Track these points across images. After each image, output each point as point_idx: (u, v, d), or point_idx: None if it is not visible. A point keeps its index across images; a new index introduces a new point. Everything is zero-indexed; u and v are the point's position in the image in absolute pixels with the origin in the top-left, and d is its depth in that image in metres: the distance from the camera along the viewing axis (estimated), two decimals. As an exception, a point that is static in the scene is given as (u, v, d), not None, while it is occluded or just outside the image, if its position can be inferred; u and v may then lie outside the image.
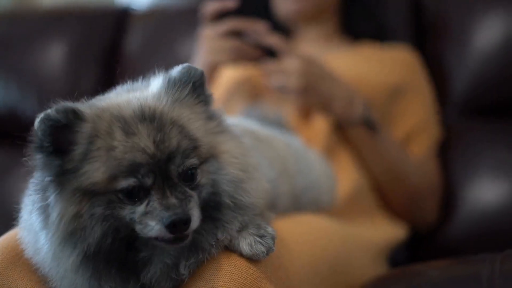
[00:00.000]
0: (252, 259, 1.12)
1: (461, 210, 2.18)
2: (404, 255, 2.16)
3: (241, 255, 1.13)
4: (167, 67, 1.19)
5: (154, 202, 1.03)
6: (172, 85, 1.13)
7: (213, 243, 1.10)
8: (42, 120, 1.03)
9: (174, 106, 1.11)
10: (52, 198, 1.06)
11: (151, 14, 2.90)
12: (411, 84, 2.15)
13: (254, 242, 1.12)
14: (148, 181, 1.04)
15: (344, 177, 1.91)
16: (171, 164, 1.05)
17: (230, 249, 1.14)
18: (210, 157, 1.11)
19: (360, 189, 1.97)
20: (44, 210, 1.07)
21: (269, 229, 1.14)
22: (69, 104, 1.06)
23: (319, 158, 1.76)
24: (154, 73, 1.20)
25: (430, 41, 2.45)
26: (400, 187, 2.05)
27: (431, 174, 2.14)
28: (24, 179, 1.15)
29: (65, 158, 1.05)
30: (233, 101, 2.03)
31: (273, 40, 1.89)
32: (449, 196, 2.20)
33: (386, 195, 2.07)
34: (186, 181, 1.07)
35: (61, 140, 1.05)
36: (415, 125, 2.13)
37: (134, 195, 1.04)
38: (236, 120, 1.51)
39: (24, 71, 2.80)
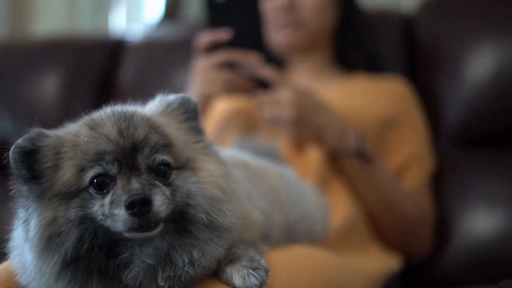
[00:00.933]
0: (245, 292, 1.11)
1: (455, 240, 2.18)
2: (398, 286, 2.15)
3: (233, 287, 1.12)
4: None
5: (118, 189, 1.03)
6: (164, 104, 1.17)
7: (187, 261, 1.08)
8: (12, 150, 1.07)
9: (156, 114, 1.15)
10: (31, 208, 1.07)
11: (145, 46, 2.91)
12: (404, 115, 2.16)
13: (247, 274, 1.11)
14: (113, 169, 1.05)
15: (338, 208, 1.91)
16: (139, 155, 1.06)
17: (223, 281, 1.13)
18: (188, 167, 1.12)
19: (353, 220, 1.97)
20: (26, 223, 1.08)
21: (262, 262, 1.13)
22: (36, 129, 1.10)
23: (312, 189, 1.75)
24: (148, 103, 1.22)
25: (422, 73, 2.46)
26: (393, 217, 2.05)
27: (425, 204, 2.14)
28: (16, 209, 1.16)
29: (40, 176, 1.08)
30: (226, 132, 2.03)
31: (266, 71, 1.89)
32: (443, 227, 2.19)
33: (380, 225, 2.07)
34: (158, 176, 1.07)
35: (36, 166, 1.08)
36: (408, 156, 2.13)
37: (103, 186, 1.05)
38: (229, 151, 1.52)
39: (17, 102, 2.81)
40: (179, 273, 1.08)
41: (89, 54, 2.93)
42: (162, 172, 1.07)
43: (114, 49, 2.93)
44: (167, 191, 1.06)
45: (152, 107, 1.18)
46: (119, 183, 1.04)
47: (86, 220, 1.05)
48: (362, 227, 2.01)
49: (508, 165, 2.26)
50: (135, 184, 1.03)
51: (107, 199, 1.04)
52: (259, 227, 1.29)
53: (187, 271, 1.08)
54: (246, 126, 2.06)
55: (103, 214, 1.04)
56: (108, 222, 1.04)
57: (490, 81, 2.31)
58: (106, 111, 1.11)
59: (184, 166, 1.11)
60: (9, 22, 3.70)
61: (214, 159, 1.17)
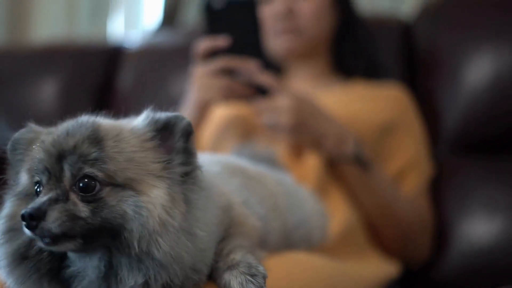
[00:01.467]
0: (243, 299, 1.11)
1: (454, 246, 2.18)
2: (396, 292, 2.15)
3: (232, 294, 1.11)
4: (159, 104, 1.17)
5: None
6: (147, 122, 1.11)
7: (135, 282, 1.02)
8: (9, 143, 1.12)
9: (117, 128, 1.09)
10: (4, 201, 1.11)
11: (143, 52, 2.91)
12: (402, 122, 2.16)
13: (245, 281, 1.10)
14: (43, 178, 1.04)
15: (336, 214, 1.91)
16: (65, 163, 1.03)
17: (221, 287, 1.13)
18: (128, 187, 1.04)
19: (352, 226, 1.96)
20: None
21: (260, 268, 1.13)
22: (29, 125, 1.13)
23: (310, 195, 1.75)
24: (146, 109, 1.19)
25: (421, 79, 2.47)
26: (392, 223, 2.05)
27: (423, 210, 2.14)
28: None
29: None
30: (224, 139, 2.03)
31: (264, 78, 1.90)
32: (441, 233, 2.19)
33: (378, 231, 2.06)
34: (81, 191, 1.02)
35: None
36: (407, 162, 2.13)
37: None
38: (226, 157, 1.52)
39: (16, 108, 2.81)
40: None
41: (88, 60, 2.93)
42: (85, 186, 1.02)
43: (112, 56, 2.93)
44: (81, 208, 1.01)
45: (132, 122, 1.13)
46: (41, 194, 1.04)
47: None
48: (361, 233, 2.01)
49: (507, 171, 2.26)
50: (42, 198, 1.01)
51: None
52: (256, 234, 1.28)
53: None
54: (244, 132, 2.06)
55: None
56: None
57: (488, 87, 2.31)
58: (74, 120, 1.10)
59: (124, 185, 1.04)
60: (7, 28, 3.70)
61: (166, 185, 1.06)
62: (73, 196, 1.02)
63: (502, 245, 2.14)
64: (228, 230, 1.22)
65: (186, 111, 2.03)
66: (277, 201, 1.51)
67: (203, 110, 2.05)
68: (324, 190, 1.93)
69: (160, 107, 1.15)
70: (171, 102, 1.19)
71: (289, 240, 1.53)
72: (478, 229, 2.18)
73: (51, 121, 1.14)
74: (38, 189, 1.06)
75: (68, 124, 1.08)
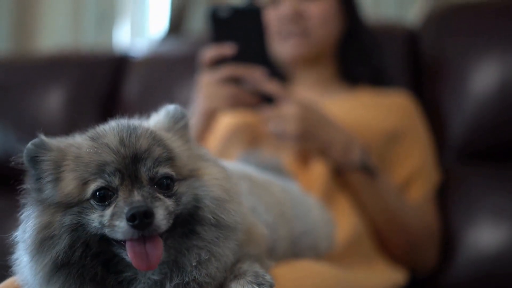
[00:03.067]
0: (250, 307, 1.11)
1: (461, 254, 2.17)
2: (404, 300, 2.15)
3: (239, 303, 1.11)
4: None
5: (120, 201, 1.03)
6: (167, 117, 1.19)
7: (195, 264, 1.09)
8: (24, 153, 1.10)
9: (160, 128, 1.16)
10: (30, 211, 1.09)
11: (149, 61, 2.92)
12: (408, 129, 2.15)
13: (253, 290, 1.11)
14: (115, 180, 1.05)
15: (343, 222, 1.90)
16: (141, 166, 1.06)
17: (229, 297, 1.13)
18: (191, 176, 1.12)
19: (359, 234, 1.96)
20: (24, 224, 1.10)
21: (267, 277, 1.13)
22: (42, 137, 1.11)
23: (317, 203, 1.75)
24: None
25: (427, 86, 2.47)
26: (398, 231, 2.05)
27: (430, 218, 2.14)
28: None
29: (41, 183, 1.09)
30: (231, 147, 2.03)
31: (270, 86, 1.89)
32: (448, 241, 2.19)
33: (385, 239, 2.06)
34: (161, 188, 1.07)
35: (39, 167, 1.09)
36: (413, 169, 2.13)
37: (105, 198, 1.05)
38: (233, 164, 1.51)
39: (22, 117, 2.81)
40: (186, 279, 1.08)
41: (93, 70, 2.94)
42: (164, 185, 1.08)
43: (118, 65, 2.93)
44: (169, 203, 1.06)
45: (156, 121, 1.19)
46: (121, 195, 1.04)
47: (79, 228, 1.05)
48: (367, 241, 2.01)
49: (513, 179, 2.26)
50: (137, 197, 1.03)
51: (109, 211, 1.04)
52: (264, 242, 1.28)
53: (195, 276, 1.09)
54: (250, 140, 2.06)
55: (100, 223, 1.04)
56: (106, 231, 1.04)
57: (494, 95, 2.30)
58: (110, 124, 1.12)
59: (188, 176, 1.12)
60: (13, 38, 3.71)
61: (213, 164, 1.18)
62: (159, 195, 1.06)
63: (509, 252, 2.13)
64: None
65: (193, 120, 2.03)
66: (284, 209, 1.50)
67: (209, 118, 2.05)
68: (330, 198, 1.93)
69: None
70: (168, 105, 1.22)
71: (296, 248, 1.52)
72: (485, 236, 2.17)
73: (58, 129, 1.15)
74: (99, 194, 1.05)
75: (119, 127, 1.09)
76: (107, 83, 2.88)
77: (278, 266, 1.33)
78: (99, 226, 1.05)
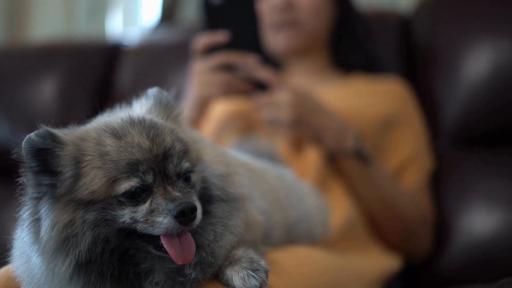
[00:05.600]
0: (245, 293, 1.11)
1: (455, 240, 2.18)
2: (399, 286, 2.16)
3: (234, 289, 1.12)
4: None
5: (158, 198, 1.05)
6: (156, 103, 1.20)
7: (212, 238, 1.12)
8: (24, 143, 1.06)
9: (164, 118, 1.18)
10: (44, 210, 1.06)
11: (142, 49, 2.91)
12: (402, 116, 2.16)
13: (247, 276, 1.11)
14: (149, 178, 1.06)
15: (337, 208, 1.91)
16: (169, 163, 1.08)
17: (223, 283, 1.14)
18: (198, 162, 1.15)
19: (353, 220, 1.97)
20: (35, 224, 1.08)
21: (262, 263, 1.13)
22: (49, 129, 1.08)
23: (311, 190, 1.75)
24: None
25: (420, 73, 2.46)
26: (392, 217, 2.05)
27: (424, 204, 2.14)
28: (17, 213, 1.15)
29: (55, 178, 1.07)
30: (225, 135, 2.03)
31: (264, 73, 1.89)
32: (442, 226, 2.19)
33: (379, 225, 2.06)
34: (185, 181, 1.10)
35: (47, 161, 1.07)
36: (407, 156, 2.13)
37: (136, 195, 1.06)
38: (228, 151, 1.51)
39: (16, 107, 2.80)
40: (204, 254, 1.11)
41: (86, 58, 2.93)
42: (186, 178, 1.10)
43: (111, 53, 2.93)
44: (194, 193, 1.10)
45: (147, 109, 1.19)
46: (157, 192, 1.06)
47: (102, 224, 1.05)
48: (362, 227, 2.01)
49: (507, 164, 2.26)
50: (175, 192, 1.06)
51: (144, 207, 1.05)
52: (259, 228, 1.29)
53: (213, 248, 1.11)
54: (244, 128, 2.06)
55: (131, 219, 1.05)
56: (138, 226, 1.05)
57: (487, 80, 2.31)
58: (122, 118, 1.11)
59: (196, 161, 1.15)
60: (5, 28, 3.70)
61: (205, 142, 1.24)
62: (188, 188, 1.09)
63: (503, 237, 2.14)
64: None
65: (186, 108, 2.03)
66: (278, 196, 1.51)
67: (203, 106, 2.05)
68: (324, 185, 1.93)
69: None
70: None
71: (291, 235, 1.53)
72: (478, 221, 2.18)
73: (50, 119, 1.13)
74: (136, 190, 1.05)
75: (140, 124, 1.10)
76: (100, 72, 2.87)
77: (273, 252, 1.34)
78: (130, 221, 1.05)
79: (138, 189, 1.05)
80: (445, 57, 2.41)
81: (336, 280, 1.56)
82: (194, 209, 1.04)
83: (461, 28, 2.42)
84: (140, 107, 1.20)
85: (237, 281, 1.11)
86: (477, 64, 2.33)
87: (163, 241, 1.06)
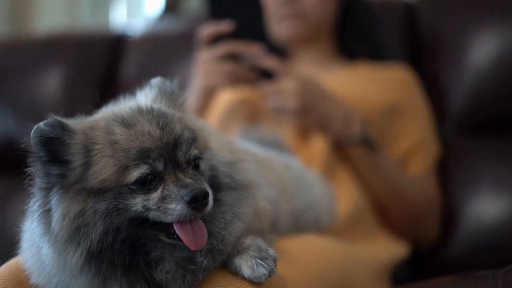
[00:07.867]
0: (253, 282, 1.12)
1: (462, 226, 2.18)
2: (406, 273, 2.16)
3: (243, 278, 1.12)
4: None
5: (170, 185, 1.06)
6: (160, 93, 1.20)
7: (222, 226, 1.13)
8: (33, 132, 1.06)
9: (169, 106, 1.18)
10: (54, 200, 1.07)
11: (146, 40, 2.91)
12: (408, 103, 2.15)
13: (256, 264, 1.11)
14: (160, 165, 1.07)
15: (344, 196, 1.91)
16: (179, 151, 1.09)
17: (232, 272, 1.14)
18: (205, 150, 1.16)
19: (360, 208, 1.96)
20: (46, 215, 1.08)
21: (271, 251, 1.14)
22: (58, 118, 1.08)
23: (318, 178, 1.75)
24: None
25: (425, 60, 2.46)
26: (399, 204, 2.05)
27: (430, 191, 2.14)
28: (23, 205, 1.15)
29: (64, 168, 1.07)
30: (231, 124, 2.03)
31: (269, 62, 1.89)
32: (449, 213, 2.19)
33: (386, 213, 2.06)
34: (195, 169, 1.11)
35: (56, 150, 1.07)
36: (413, 143, 2.13)
37: (147, 183, 1.06)
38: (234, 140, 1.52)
39: (21, 99, 2.81)
40: (215, 241, 1.12)
41: (91, 50, 2.93)
42: (195, 165, 1.11)
43: (115, 44, 2.92)
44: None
45: (152, 99, 1.20)
46: (168, 179, 1.07)
47: (114, 213, 1.06)
48: (369, 214, 2.01)
49: (513, 151, 2.27)
50: (186, 179, 1.07)
51: (156, 195, 1.06)
52: (267, 217, 1.29)
53: (223, 235, 1.12)
54: (250, 116, 2.06)
55: (144, 207, 1.06)
56: (150, 214, 1.06)
57: (493, 67, 2.30)
58: (131, 107, 1.12)
59: (203, 149, 1.16)
60: (10, 20, 3.70)
61: (211, 131, 1.25)
62: (201, 176, 1.11)
63: (510, 223, 2.14)
64: None
65: (192, 98, 2.03)
66: (286, 184, 1.51)
67: (208, 95, 2.05)
68: (331, 173, 1.93)
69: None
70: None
71: (298, 223, 1.53)
72: (485, 208, 2.18)
73: (56, 110, 1.13)
74: (145, 179, 1.06)
75: (149, 113, 1.10)
76: (104, 64, 2.87)
77: (281, 240, 1.34)
78: (142, 210, 1.06)
79: (150, 176, 1.06)
80: (451, 44, 2.40)
81: (344, 268, 1.56)
82: (206, 195, 1.05)
83: (467, 15, 2.41)
84: (145, 97, 1.20)
85: (246, 270, 1.11)
86: (482, 51, 2.32)
87: (176, 228, 1.07)
